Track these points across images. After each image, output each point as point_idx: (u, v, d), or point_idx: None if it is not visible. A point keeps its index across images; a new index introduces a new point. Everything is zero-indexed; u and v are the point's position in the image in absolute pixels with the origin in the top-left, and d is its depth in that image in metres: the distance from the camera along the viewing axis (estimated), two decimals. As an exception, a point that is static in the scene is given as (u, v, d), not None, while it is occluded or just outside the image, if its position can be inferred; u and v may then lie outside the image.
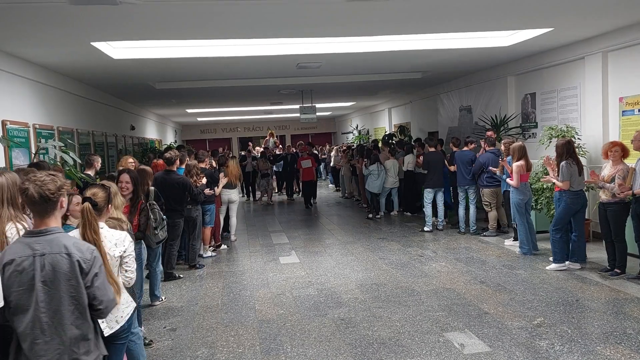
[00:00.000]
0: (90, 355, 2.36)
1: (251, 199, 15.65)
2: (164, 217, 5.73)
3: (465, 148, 8.96)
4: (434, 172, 9.31)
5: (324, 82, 10.88)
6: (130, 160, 7.23)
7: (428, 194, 9.35)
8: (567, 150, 6.21)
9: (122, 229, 3.54)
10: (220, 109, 17.55)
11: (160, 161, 8.40)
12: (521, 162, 7.00)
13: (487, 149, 8.45)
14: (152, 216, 5.46)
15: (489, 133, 9.05)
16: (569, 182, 6.12)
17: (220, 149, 16.97)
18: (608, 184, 5.87)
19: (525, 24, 6.64)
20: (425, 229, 9.27)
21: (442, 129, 13.32)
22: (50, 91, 8.03)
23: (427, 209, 9.35)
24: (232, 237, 9.22)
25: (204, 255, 7.89)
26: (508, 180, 7.27)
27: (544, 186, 7.53)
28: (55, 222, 2.33)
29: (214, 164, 8.54)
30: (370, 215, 11.06)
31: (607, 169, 6.04)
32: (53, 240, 2.27)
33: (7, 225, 2.94)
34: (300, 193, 15.42)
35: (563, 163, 6.15)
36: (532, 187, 7.57)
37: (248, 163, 14.96)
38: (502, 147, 7.85)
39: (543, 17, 6.21)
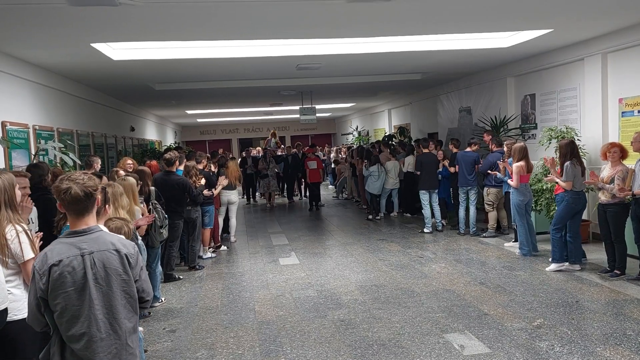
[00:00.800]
0: (137, 348, 2.42)
1: (251, 202, 15.37)
2: (166, 216, 5.76)
3: (468, 149, 8.94)
4: (427, 173, 9.37)
5: (323, 83, 10.88)
6: (129, 161, 7.22)
7: (423, 196, 9.40)
8: (571, 151, 6.21)
9: (128, 229, 3.56)
10: (220, 110, 17.54)
11: (154, 162, 8.37)
12: (521, 163, 6.99)
13: (494, 149, 8.44)
14: (156, 215, 5.48)
15: (485, 135, 9.05)
16: (572, 182, 6.12)
17: (220, 150, 16.88)
18: (607, 185, 5.87)
19: (525, 25, 6.65)
20: (425, 230, 9.27)
21: (442, 130, 13.33)
22: (50, 92, 8.03)
23: (426, 211, 9.36)
24: (232, 239, 9.21)
25: (204, 257, 7.89)
26: (509, 181, 7.27)
27: (544, 187, 7.53)
28: (94, 220, 2.36)
29: (212, 168, 8.45)
30: (370, 217, 11.06)
31: (606, 170, 6.04)
32: (99, 238, 2.30)
33: (7, 227, 2.93)
34: (304, 195, 15.15)
35: (568, 163, 6.14)
36: (532, 188, 7.56)
37: (249, 165, 14.61)
38: (505, 149, 7.83)
39: (542, 18, 6.22)
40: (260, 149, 17.21)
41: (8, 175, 3.08)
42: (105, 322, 2.25)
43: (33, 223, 3.90)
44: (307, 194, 14.27)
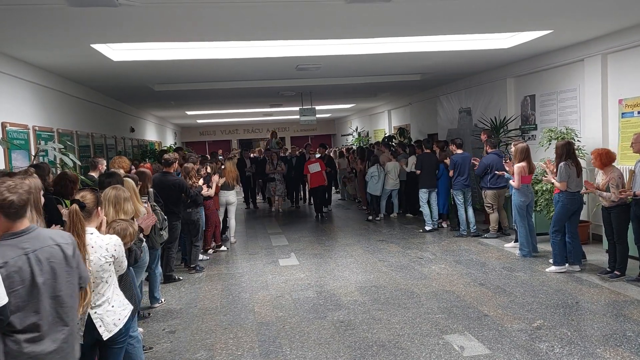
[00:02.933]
0: None
1: (251, 206, 14.28)
2: (165, 217, 5.74)
3: (459, 151, 8.90)
4: (427, 173, 9.51)
5: (323, 84, 10.87)
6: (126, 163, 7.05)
7: (423, 195, 9.51)
8: (567, 151, 6.23)
9: (133, 229, 3.56)
10: (219, 111, 17.54)
11: (148, 164, 8.32)
12: (523, 164, 6.99)
13: (489, 150, 8.43)
14: (156, 217, 5.46)
15: (482, 134, 9.04)
16: (567, 183, 6.13)
17: (220, 151, 16.80)
18: (605, 193, 5.85)
19: (525, 26, 6.64)
20: (427, 228, 9.30)
21: (442, 131, 13.31)
22: (49, 93, 8.03)
23: (425, 209, 9.44)
24: (232, 239, 9.20)
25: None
26: (511, 181, 7.26)
27: (544, 188, 7.52)
28: (28, 221, 2.40)
29: (208, 169, 8.32)
30: (370, 217, 11.05)
31: (600, 176, 6.02)
32: (38, 235, 2.36)
33: None
34: (307, 201, 14.45)
35: (562, 164, 6.16)
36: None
37: (248, 167, 13.86)
38: (513, 149, 7.78)
39: (542, 19, 6.22)
40: (261, 149, 16.86)
41: (35, 179, 3.09)
42: (52, 312, 2.34)
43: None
44: (311, 200, 13.18)
